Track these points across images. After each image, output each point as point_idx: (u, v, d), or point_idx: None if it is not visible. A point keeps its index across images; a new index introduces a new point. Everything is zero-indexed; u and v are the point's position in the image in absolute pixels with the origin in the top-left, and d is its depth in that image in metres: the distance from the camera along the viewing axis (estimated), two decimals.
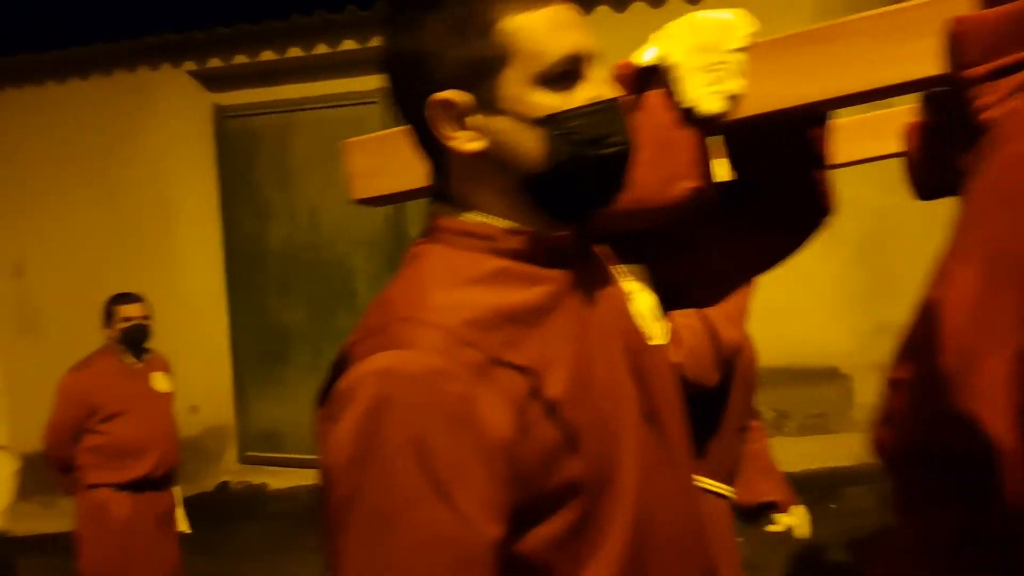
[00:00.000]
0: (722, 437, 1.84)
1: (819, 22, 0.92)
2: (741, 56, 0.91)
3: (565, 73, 0.82)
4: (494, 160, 0.84)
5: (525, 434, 0.77)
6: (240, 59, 6.00)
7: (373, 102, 5.92)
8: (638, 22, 4.74)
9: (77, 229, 6.39)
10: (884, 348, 4.03)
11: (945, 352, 0.64)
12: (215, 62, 6.06)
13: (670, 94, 0.94)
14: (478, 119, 0.82)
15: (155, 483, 3.64)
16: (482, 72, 0.81)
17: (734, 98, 0.91)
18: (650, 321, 0.98)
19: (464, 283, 0.83)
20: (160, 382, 3.74)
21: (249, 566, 4.80)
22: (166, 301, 3.87)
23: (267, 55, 5.94)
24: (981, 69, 0.76)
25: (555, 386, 0.80)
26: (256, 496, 5.99)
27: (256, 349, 6.39)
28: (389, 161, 1.14)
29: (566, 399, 0.80)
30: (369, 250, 6.04)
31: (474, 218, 0.86)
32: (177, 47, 6.06)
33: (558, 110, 0.81)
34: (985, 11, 0.78)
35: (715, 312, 1.64)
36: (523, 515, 0.78)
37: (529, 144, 0.82)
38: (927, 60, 0.84)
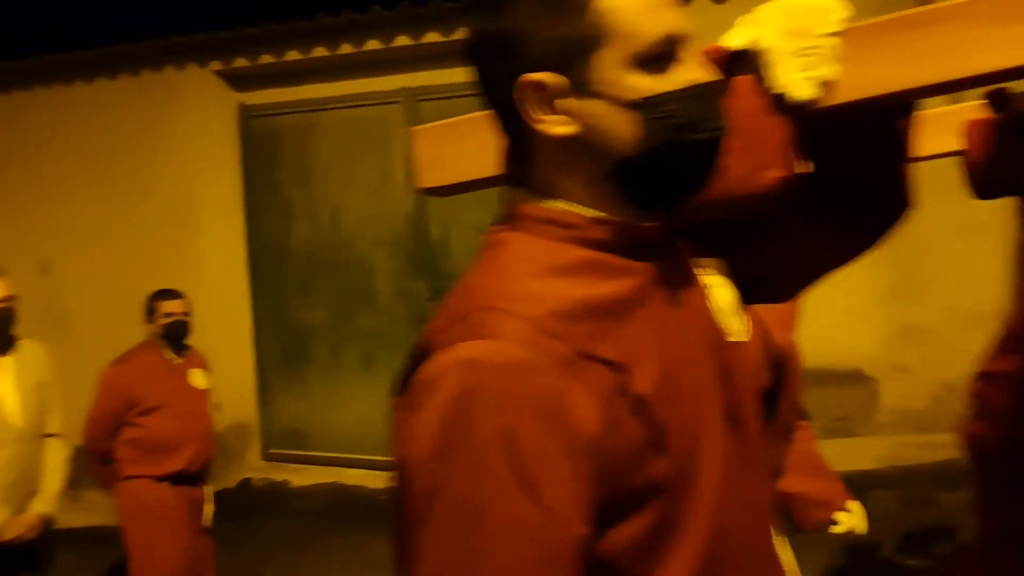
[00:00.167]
0: (770, 439, 1.83)
1: (887, 8, 0.90)
2: (834, 41, 0.88)
3: (661, 55, 0.79)
4: (584, 145, 0.81)
5: (612, 431, 0.75)
6: (266, 59, 6.03)
7: (396, 102, 5.94)
8: (729, 5, 4.66)
9: (103, 227, 6.46)
10: (909, 350, 4.02)
11: None
12: (241, 62, 6.09)
13: (760, 79, 0.90)
14: (569, 102, 0.80)
15: (190, 478, 3.69)
16: (575, 53, 0.79)
17: (826, 84, 0.88)
18: (730, 316, 0.96)
19: (549, 273, 0.80)
20: (198, 378, 3.79)
21: (271, 563, 4.83)
22: (190, 299, 3.91)
23: (292, 55, 5.96)
24: None
25: (643, 382, 0.78)
26: (278, 493, 6.03)
27: (278, 347, 6.44)
28: (457, 149, 1.13)
29: (654, 396, 0.78)
30: (390, 250, 6.06)
31: (559, 206, 0.84)
32: (203, 47, 6.10)
33: (654, 93, 0.79)
34: None
35: (767, 314, 1.63)
36: (604, 514, 0.76)
37: (622, 128, 0.80)
38: None
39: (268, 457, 6.43)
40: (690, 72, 0.81)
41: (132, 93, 6.36)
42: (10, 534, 3.09)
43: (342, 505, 5.78)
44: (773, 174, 0.91)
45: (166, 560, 3.54)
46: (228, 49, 6.08)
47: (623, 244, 0.83)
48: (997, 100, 1.16)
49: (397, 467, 0.78)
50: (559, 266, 0.81)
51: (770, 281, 1.07)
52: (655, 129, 0.79)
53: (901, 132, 0.97)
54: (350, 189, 6.14)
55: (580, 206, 0.83)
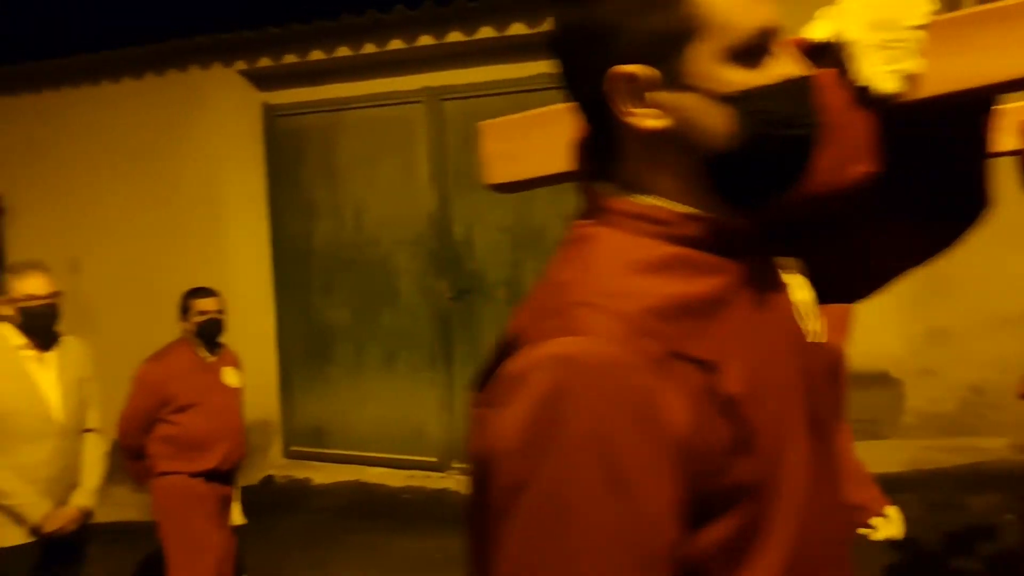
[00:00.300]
0: None
1: (958, 3, 0.88)
2: (920, 33, 0.85)
3: (756, 48, 0.78)
4: (675, 139, 0.80)
5: (701, 431, 0.73)
6: (290, 58, 6.06)
7: (419, 101, 5.95)
8: None
9: (130, 226, 6.52)
10: (936, 353, 3.97)
11: None
12: (265, 61, 6.12)
13: (843, 73, 0.88)
14: (661, 95, 0.78)
15: (222, 476, 3.70)
16: (669, 45, 0.77)
17: (911, 78, 0.86)
18: (809, 317, 0.94)
19: (640, 269, 0.79)
20: (231, 377, 3.79)
21: (293, 559, 4.85)
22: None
23: (316, 55, 5.98)
24: None
25: (732, 382, 0.76)
26: (300, 490, 6.06)
27: (301, 346, 6.47)
28: (527, 144, 1.11)
29: (743, 396, 0.76)
30: (413, 249, 6.07)
31: (649, 201, 0.82)
32: (228, 47, 6.14)
33: (749, 87, 0.77)
34: None
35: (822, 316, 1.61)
36: (690, 517, 0.74)
37: (716, 122, 0.78)
38: None
39: (290, 455, 6.47)
40: (784, 66, 0.80)
41: (158, 93, 6.41)
42: (52, 526, 3.14)
43: (363, 503, 5.80)
44: (858, 169, 0.89)
45: (205, 553, 3.56)
46: (253, 49, 6.11)
47: (713, 241, 0.81)
48: None
49: (477, 461, 0.77)
50: (649, 262, 0.79)
51: (847, 280, 1.04)
52: (750, 123, 0.78)
53: (982, 128, 0.94)
54: (373, 188, 6.16)
55: (670, 201, 0.82)
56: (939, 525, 4.20)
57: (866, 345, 5.06)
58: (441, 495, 5.78)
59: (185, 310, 3.73)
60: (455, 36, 5.61)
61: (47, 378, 3.23)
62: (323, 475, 6.17)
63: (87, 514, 3.31)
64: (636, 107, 0.79)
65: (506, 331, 0.81)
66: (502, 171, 1.15)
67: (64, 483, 3.24)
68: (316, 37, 5.91)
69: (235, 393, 3.79)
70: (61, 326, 3.36)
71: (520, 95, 5.66)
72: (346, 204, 6.25)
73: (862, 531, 2.07)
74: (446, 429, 6.02)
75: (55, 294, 3.26)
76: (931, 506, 4.47)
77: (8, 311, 3.20)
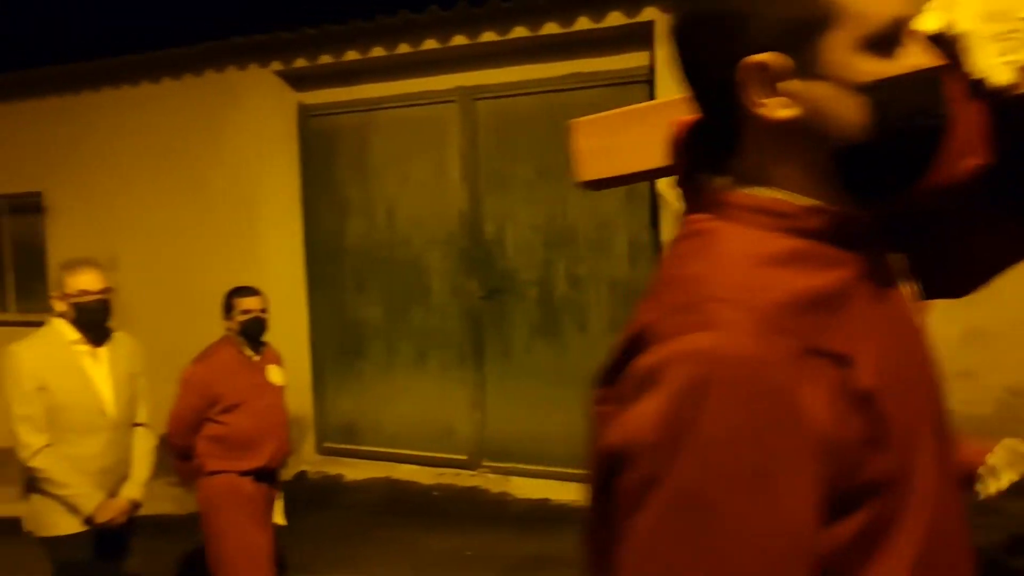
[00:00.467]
0: None
1: None
2: None
3: (890, 37, 0.76)
4: (804, 129, 0.78)
5: (839, 427, 0.72)
6: (325, 59, 6.11)
7: (452, 101, 5.97)
8: None
9: (166, 224, 6.61)
10: (973, 355, 3.92)
11: None
12: (301, 62, 6.18)
13: (957, 65, 0.85)
14: (793, 84, 0.77)
15: (269, 475, 3.71)
16: (804, 34, 0.76)
17: None
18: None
19: (767, 263, 0.77)
20: (275, 375, 3.78)
21: (325, 555, 4.88)
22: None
23: (351, 55, 6.02)
24: None
25: (867, 377, 0.75)
26: (332, 486, 6.11)
27: (334, 344, 6.53)
28: (618, 141, 1.10)
29: (877, 391, 0.75)
30: (444, 248, 6.09)
31: (771, 194, 0.81)
32: (265, 47, 6.21)
33: (883, 76, 0.76)
34: None
35: None
36: (826, 513, 0.73)
37: (848, 112, 0.76)
38: None
39: (322, 451, 6.53)
40: (917, 56, 0.78)
41: (195, 93, 6.49)
42: (104, 517, 3.20)
43: (394, 500, 5.83)
44: (971, 162, 0.87)
45: (252, 553, 3.58)
46: (288, 49, 6.17)
47: (837, 234, 0.80)
48: None
49: (603, 457, 0.76)
50: (776, 256, 0.78)
51: (950, 276, 1.02)
52: (883, 114, 0.76)
53: None
54: (406, 187, 6.20)
55: (794, 194, 0.80)
56: (976, 529, 4.13)
57: None
58: (471, 493, 5.80)
59: (229, 309, 3.72)
60: (488, 36, 5.62)
61: (100, 373, 3.28)
62: (355, 471, 6.22)
63: (136, 506, 3.37)
64: (766, 97, 0.78)
65: (630, 327, 0.80)
66: (594, 168, 1.14)
67: (115, 475, 3.31)
68: (351, 37, 5.95)
69: (280, 391, 3.79)
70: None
71: (552, 95, 5.67)
72: (379, 203, 6.30)
73: None
74: (476, 427, 6.04)
75: (107, 290, 3.31)
76: (968, 510, 4.40)
77: (62, 307, 3.26)
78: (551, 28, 5.46)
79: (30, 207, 7.23)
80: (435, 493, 5.87)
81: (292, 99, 6.45)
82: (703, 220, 0.83)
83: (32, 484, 3.21)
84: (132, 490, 3.36)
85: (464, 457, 6.07)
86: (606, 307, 5.64)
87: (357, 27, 5.84)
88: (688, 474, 0.69)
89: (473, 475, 5.97)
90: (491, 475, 5.94)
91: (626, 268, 5.56)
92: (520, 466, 5.88)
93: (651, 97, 5.31)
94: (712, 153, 0.85)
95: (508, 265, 5.89)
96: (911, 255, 0.95)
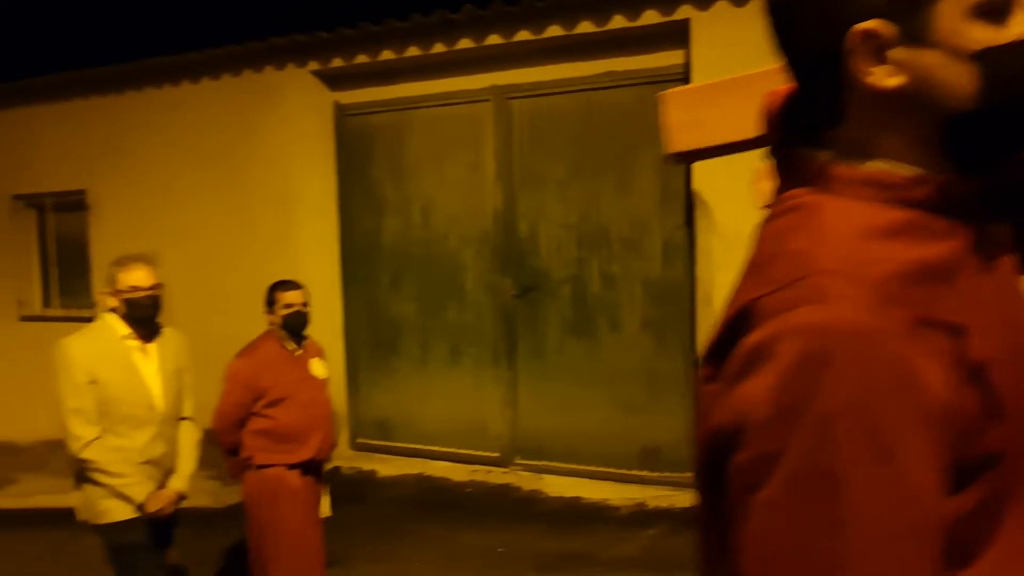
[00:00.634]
0: None
1: None
2: None
3: (1002, 5, 0.75)
4: (912, 99, 0.77)
5: (956, 399, 0.71)
6: (361, 59, 6.16)
7: (486, 100, 6.00)
8: None
9: (205, 221, 6.72)
10: None
11: None
12: (337, 62, 6.24)
13: None
14: (901, 52, 0.75)
15: (316, 466, 3.74)
16: (915, 1, 0.74)
17: None
18: None
19: (876, 235, 0.76)
20: (318, 368, 3.79)
21: (360, 549, 4.93)
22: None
23: (387, 54, 6.07)
24: None
25: (980, 347, 0.74)
26: (366, 482, 6.16)
27: (368, 340, 6.59)
28: (709, 113, 1.09)
29: (991, 362, 0.74)
30: (478, 247, 6.12)
31: (877, 165, 0.79)
32: (302, 48, 6.28)
33: (995, 44, 0.74)
34: None
35: None
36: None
37: (958, 80, 0.75)
38: None
39: (356, 447, 6.59)
40: None
41: (234, 93, 6.59)
42: (153, 507, 3.27)
43: (427, 496, 5.86)
44: None
45: (300, 545, 3.61)
46: (325, 49, 6.24)
47: (944, 205, 0.78)
48: None
49: (714, 435, 0.76)
50: (884, 228, 0.77)
51: None
52: (995, 82, 0.74)
53: None
54: (440, 186, 6.23)
55: (898, 164, 0.79)
56: None
57: None
58: (503, 490, 5.82)
59: (271, 303, 3.71)
60: (523, 35, 5.63)
61: (149, 368, 3.34)
62: (388, 467, 6.27)
63: (182, 498, 3.43)
64: (873, 65, 0.76)
65: (733, 305, 0.79)
66: (684, 140, 1.13)
67: (163, 468, 3.37)
68: (387, 37, 6.00)
69: (323, 384, 3.80)
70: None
71: (587, 94, 5.67)
72: (413, 201, 6.34)
73: None
74: (509, 425, 6.06)
75: (157, 286, 3.37)
76: None
77: (113, 302, 3.31)
78: (586, 27, 5.46)
79: (74, 205, 7.39)
80: (467, 490, 5.90)
81: (328, 99, 6.52)
82: (803, 194, 0.82)
83: (83, 474, 3.28)
84: (178, 482, 3.42)
85: (496, 454, 6.09)
86: (639, 306, 5.63)
87: (393, 27, 5.88)
88: (808, 449, 0.68)
89: (505, 472, 6.00)
90: (523, 473, 5.96)
91: (659, 268, 5.55)
92: (552, 464, 5.89)
93: None
94: (810, 124, 0.84)
95: (541, 263, 5.90)
96: (1017, 225, 0.92)
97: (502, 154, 5.97)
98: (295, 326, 3.71)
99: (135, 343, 3.33)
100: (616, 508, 5.35)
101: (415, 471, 6.18)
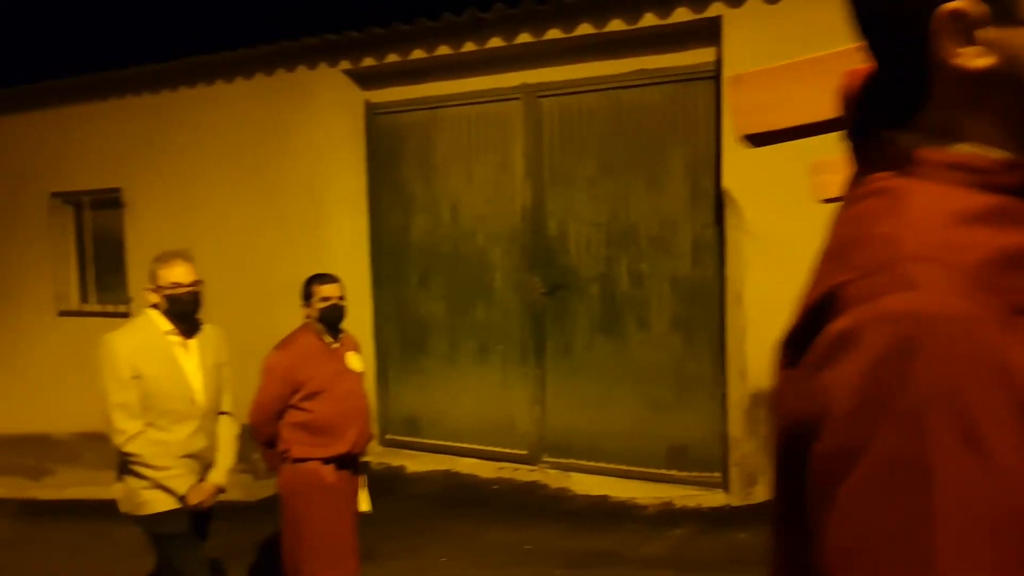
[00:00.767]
0: None
1: None
2: None
3: None
4: (1002, 80, 0.75)
5: None
6: (392, 58, 6.20)
7: (516, 98, 6.01)
8: None
9: (238, 218, 6.80)
10: None
11: None
12: (368, 61, 6.29)
13: None
14: (990, 32, 0.73)
15: (353, 460, 3.76)
16: None
17: None
18: None
19: (966, 221, 0.74)
20: (354, 361, 3.80)
21: (388, 543, 4.96)
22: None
23: (417, 53, 6.11)
24: None
25: None
26: (395, 478, 6.21)
27: (397, 338, 6.63)
28: (783, 95, 1.08)
29: None
30: (507, 245, 6.13)
31: (965, 149, 0.77)
32: (334, 47, 6.34)
33: None
34: None
35: None
36: None
37: None
38: None
39: (385, 443, 6.64)
40: None
41: (267, 92, 6.66)
42: (195, 499, 3.34)
43: (455, 492, 5.90)
44: None
45: (337, 535, 3.64)
46: (357, 49, 6.28)
47: None
48: None
49: (795, 425, 0.74)
50: (974, 213, 0.75)
51: None
52: None
53: None
54: (470, 184, 6.26)
55: (987, 147, 0.77)
56: None
57: None
58: (531, 488, 5.83)
59: (308, 296, 3.70)
60: (553, 33, 5.63)
61: (190, 363, 3.39)
62: (417, 463, 6.31)
63: (221, 491, 3.49)
64: (961, 46, 0.74)
65: (815, 291, 0.78)
66: (757, 122, 1.12)
67: (202, 462, 3.42)
68: (418, 36, 6.03)
69: (359, 377, 3.81)
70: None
71: (617, 91, 5.66)
72: (443, 199, 6.37)
73: None
74: (536, 423, 6.07)
75: (198, 282, 3.41)
76: None
77: (155, 298, 3.36)
78: (616, 25, 5.45)
79: (110, 202, 7.51)
80: (495, 487, 5.92)
81: (359, 97, 6.57)
82: (887, 178, 0.79)
83: (125, 467, 3.34)
84: (218, 476, 3.47)
85: (524, 452, 6.11)
86: (668, 305, 5.61)
87: (424, 26, 5.91)
88: (896, 440, 0.67)
89: (533, 470, 6.01)
90: (551, 470, 5.97)
91: (688, 266, 5.52)
92: (580, 462, 5.90)
93: (718, 94, 5.26)
94: (892, 106, 0.81)
95: (570, 262, 5.91)
96: None
97: (531, 152, 5.98)
98: (332, 319, 3.70)
99: (177, 339, 3.38)
100: (643, 507, 5.34)
101: (443, 467, 6.21)
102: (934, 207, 0.75)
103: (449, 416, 6.41)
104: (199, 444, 3.39)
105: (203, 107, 6.93)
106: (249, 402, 3.66)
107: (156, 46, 7.56)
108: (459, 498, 5.79)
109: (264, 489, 6.13)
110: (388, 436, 6.65)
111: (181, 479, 3.30)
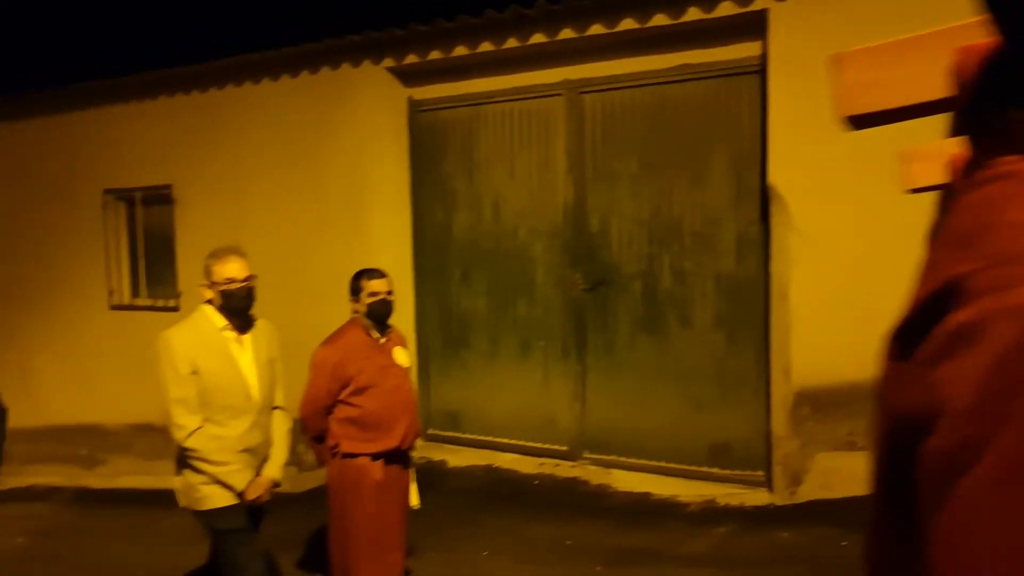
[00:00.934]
0: None
1: None
2: None
3: None
4: None
5: None
6: (435, 55, 6.23)
7: (558, 94, 6.00)
8: None
9: (284, 213, 6.90)
10: None
11: None
12: (411, 58, 6.33)
13: None
14: None
15: (402, 455, 3.76)
16: None
17: None
18: None
19: None
20: (401, 356, 3.79)
21: (430, 537, 5.00)
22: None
23: (460, 50, 6.13)
24: None
25: None
26: (437, 472, 6.25)
27: (439, 333, 6.67)
28: (889, 73, 1.03)
29: None
30: (549, 241, 6.13)
31: None
32: (378, 44, 6.39)
33: None
34: None
35: None
36: None
37: None
38: None
39: (427, 437, 6.69)
40: None
41: (311, 89, 6.73)
42: (253, 494, 3.38)
43: (496, 487, 5.91)
44: None
45: (384, 530, 3.66)
46: (400, 46, 6.33)
47: None
48: None
49: (905, 419, 0.73)
50: None
51: None
52: None
53: None
54: (511, 180, 6.26)
55: None
56: None
57: None
58: (571, 484, 5.83)
59: (356, 291, 3.68)
60: (596, 28, 5.61)
61: (245, 358, 3.42)
62: (458, 458, 6.34)
63: (276, 485, 3.52)
64: None
65: (932, 279, 0.75)
66: (862, 102, 1.07)
67: (258, 456, 3.46)
68: (460, 33, 6.05)
69: (406, 373, 3.80)
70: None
71: (660, 87, 5.62)
72: (485, 195, 6.39)
73: None
74: (577, 419, 6.07)
75: (251, 277, 3.42)
76: None
77: (209, 294, 3.39)
78: (660, 20, 5.41)
79: (160, 199, 7.67)
80: (535, 482, 5.93)
81: (402, 94, 6.61)
82: (1015, 161, 0.75)
83: (184, 462, 3.38)
84: (273, 470, 3.50)
85: (565, 448, 6.11)
86: (711, 302, 5.57)
87: (466, 22, 5.93)
88: (1022, 438, 0.63)
89: (573, 466, 6.01)
90: (591, 467, 5.96)
91: (732, 263, 5.47)
92: (621, 459, 5.88)
93: (763, 89, 5.19)
94: (1019, 85, 0.77)
95: (612, 258, 5.89)
96: None
97: (573, 148, 5.97)
98: (380, 314, 3.69)
99: (232, 334, 3.40)
100: (685, 505, 5.31)
101: (484, 462, 6.23)
102: None
103: (490, 411, 6.44)
104: (255, 439, 3.42)
105: (250, 105, 7.04)
106: (301, 396, 3.68)
107: (205, 45, 7.69)
108: (500, 493, 5.81)
109: (309, 481, 6.22)
110: (430, 431, 6.70)
111: (239, 474, 3.33)
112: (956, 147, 0.87)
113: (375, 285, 3.67)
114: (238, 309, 3.40)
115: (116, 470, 7.94)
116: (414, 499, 3.89)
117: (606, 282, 5.90)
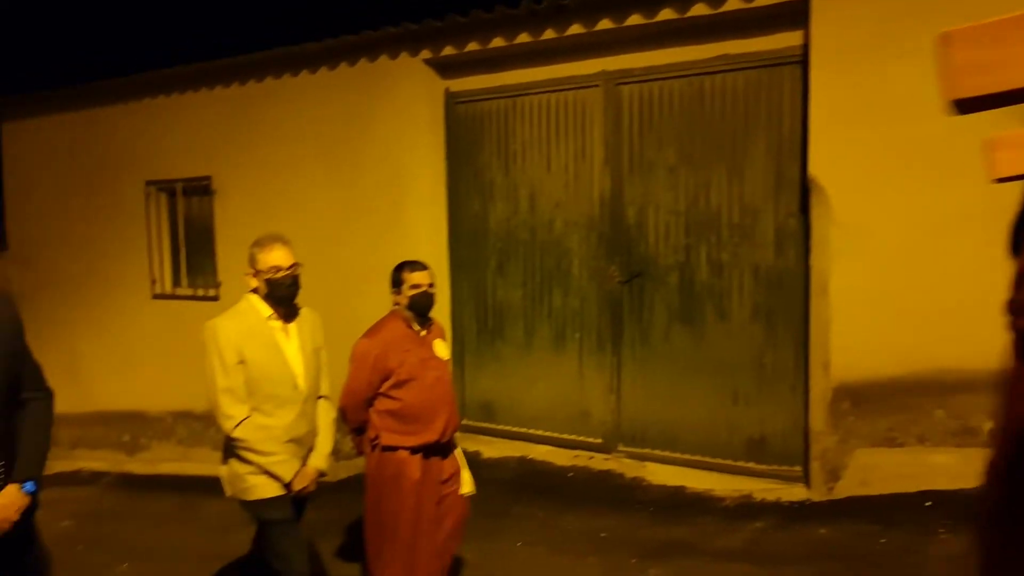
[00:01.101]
0: None
1: None
2: None
3: None
4: None
5: None
6: (472, 46, 6.23)
7: (595, 85, 5.97)
8: None
9: (323, 204, 6.97)
10: None
11: None
12: (449, 49, 6.34)
13: None
14: None
15: (443, 447, 3.73)
16: None
17: None
18: None
19: None
20: (442, 349, 3.77)
21: (466, 528, 5.03)
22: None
23: (497, 41, 6.12)
24: None
25: None
26: (471, 462, 6.17)
27: (474, 324, 6.69)
28: (1004, 53, 0.98)
29: None
30: (585, 232, 6.11)
31: None
32: (415, 36, 6.40)
33: None
34: None
35: None
36: None
37: None
38: None
39: (462, 428, 6.71)
40: None
41: (350, 81, 6.78)
42: (299, 485, 3.38)
43: (530, 479, 5.92)
44: None
45: (421, 522, 3.64)
46: (437, 37, 6.34)
47: None
48: None
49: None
50: None
51: None
52: None
53: None
54: (548, 171, 6.25)
55: None
56: None
57: None
58: (606, 476, 5.82)
59: (397, 283, 3.65)
60: (635, 19, 5.56)
61: (291, 347, 3.40)
62: (492, 449, 6.37)
63: (322, 475, 3.51)
64: None
65: None
66: (973, 84, 1.02)
67: (304, 446, 3.45)
68: (498, 24, 6.03)
69: (446, 365, 3.77)
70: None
71: (698, 78, 5.56)
72: (521, 187, 6.38)
73: None
74: (612, 411, 6.05)
75: (296, 265, 3.40)
76: None
77: (255, 283, 3.38)
78: (700, 9, 5.35)
79: (200, 190, 7.79)
80: (570, 474, 5.93)
81: (439, 86, 6.63)
82: None
83: (231, 451, 3.37)
84: (319, 460, 3.49)
85: (599, 440, 6.10)
86: (748, 295, 5.51)
87: (504, 13, 5.92)
88: None
89: (608, 459, 6.00)
90: (626, 460, 5.95)
91: (771, 256, 5.40)
92: (656, 452, 5.86)
93: (804, 79, 5.11)
94: None
95: (649, 250, 5.85)
96: None
97: (611, 140, 5.94)
98: (422, 307, 3.65)
99: (277, 323, 3.39)
100: (720, 499, 5.27)
101: (518, 454, 6.25)
102: None
103: (525, 403, 6.45)
104: (301, 429, 3.40)
105: (288, 97, 7.10)
106: (342, 387, 3.68)
107: (245, 38, 7.78)
108: (534, 484, 5.82)
109: (346, 469, 6.29)
110: (464, 421, 6.73)
111: (286, 464, 3.32)
112: None
113: (417, 277, 3.63)
114: (283, 297, 3.38)
115: (157, 456, 8.11)
116: (468, 486, 3.85)
117: (642, 274, 5.87)
